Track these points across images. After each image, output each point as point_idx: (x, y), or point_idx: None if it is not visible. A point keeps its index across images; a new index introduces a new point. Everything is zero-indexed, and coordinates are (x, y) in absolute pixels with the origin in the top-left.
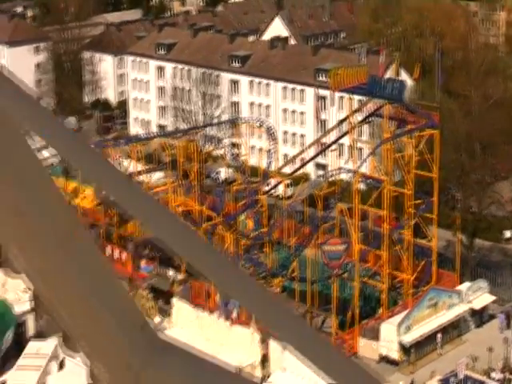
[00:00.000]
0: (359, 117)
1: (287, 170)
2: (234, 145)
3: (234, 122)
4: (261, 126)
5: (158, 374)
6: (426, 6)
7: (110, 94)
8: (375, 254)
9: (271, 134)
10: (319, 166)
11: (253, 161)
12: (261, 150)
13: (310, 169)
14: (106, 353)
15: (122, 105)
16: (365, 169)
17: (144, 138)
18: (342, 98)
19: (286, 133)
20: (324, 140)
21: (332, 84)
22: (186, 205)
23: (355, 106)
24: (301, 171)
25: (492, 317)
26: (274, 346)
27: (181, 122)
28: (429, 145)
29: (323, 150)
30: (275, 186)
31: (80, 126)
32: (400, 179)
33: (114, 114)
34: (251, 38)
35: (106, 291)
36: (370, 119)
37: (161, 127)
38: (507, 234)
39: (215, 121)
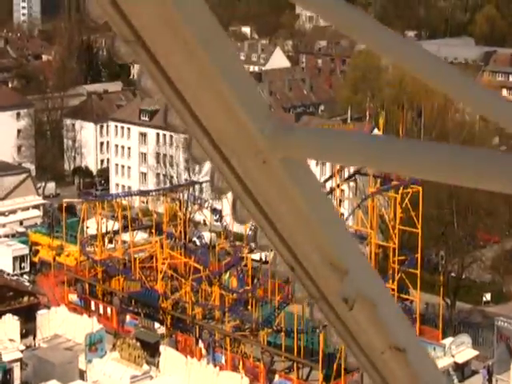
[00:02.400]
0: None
1: None
2: (215, 210)
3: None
4: None
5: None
6: (405, 79)
7: (91, 162)
8: None
9: None
10: None
11: (235, 227)
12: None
13: None
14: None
15: (103, 172)
16: (349, 226)
17: (126, 194)
18: (324, 164)
19: None
20: None
21: None
22: (172, 258)
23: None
24: None
25: (474, 372)
26: None
27: (163, 186)
28: (413, 201)
29: None
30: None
31: (58, 192)
32: (384, 236)
33: (94, 181)
34: None
35: (239, 84)
36: (354, 177)
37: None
38: (487, 297)
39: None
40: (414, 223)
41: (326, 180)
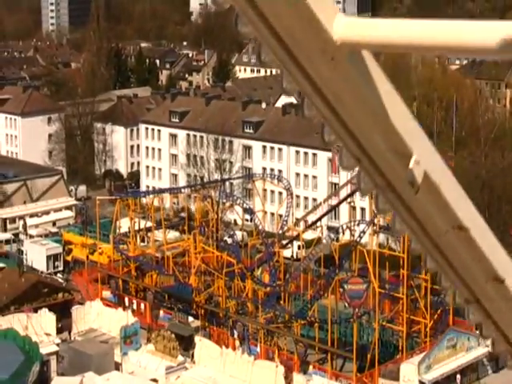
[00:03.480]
0: None
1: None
2: (246, 210)
3: (250, 177)
4: (279, 180)
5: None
6: (435, 76)
7: (121, 165)
8: (391, 302)
9: (288, 189)
10: (331, 229)
11: (266, 226)
12: (273, 214)
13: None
14: None
15: (133, 175)
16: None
17: (158, 191)
18: None
19: (298, 197)
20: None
21: None
22: (205, 252)
23: None
24: (314, 235)
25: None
26: (298, 378)
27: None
28: None
29: (340, 202)
30: (293, 240)
31: (89, 195)
32: None
33: (125, 183)
34: (264, 105)
35: None
36: None
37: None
38: None
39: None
40: None
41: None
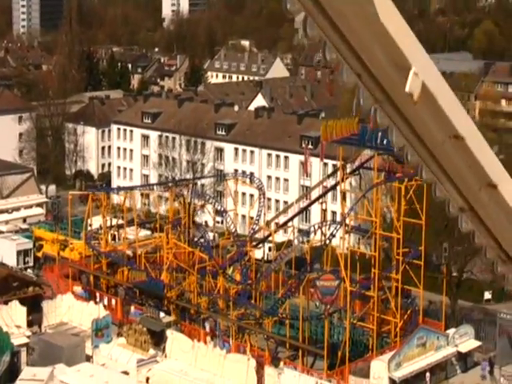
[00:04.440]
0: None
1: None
2: (218, 211)
3: (222, 176)
4: (251, 180)
5: None
6: None
7: (92, 166)
8: (362, 304)
9: (260, 189)
10: (302, 232)
11: (237, 228)
12: (244, 217)
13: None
14: None
15: (104, 176)
16: (353, 222)
17: (131, 188)
18: (325, 164)
19: (269, 199)
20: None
21: (323, 135)
22: (178, 247)
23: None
24: (285, 237)
25: (477, 364)
26: (269, 371)
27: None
28: (417, 194)
29: (312, 202)
30: (265, 239)
31: (56, 197)
32: (388, 229)
33: (96, 184)
34: (236, 108)
35: None
36: (359, 172)
37: (143, 195)
38: (488, 295)
39: (202, 180)
40: (419, 216)
41: (330, 175)
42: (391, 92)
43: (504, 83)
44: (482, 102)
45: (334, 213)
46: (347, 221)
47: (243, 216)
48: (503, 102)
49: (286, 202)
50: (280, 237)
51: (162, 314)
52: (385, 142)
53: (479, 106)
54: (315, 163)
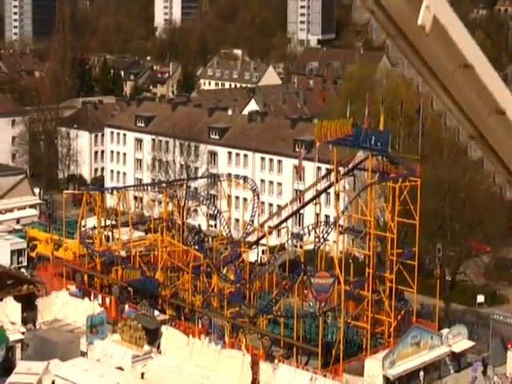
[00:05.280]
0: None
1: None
2: (211, 215)
3: (216, 178)
4: (245, 181)
5: None
6: (399, 89)
7: (85, 170)
8: (356, 305)
9: (254, 190)
10: (295, 235)
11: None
12: (238, 220)
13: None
14: None
15: (97, 180)
16: (347, 223)
17: (125, 187)
18: (319, 168)
19: (263, 203)
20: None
21: (317, 136)
22: (172, 245)
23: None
24: (277, 241)
25: (470, 364)
26: (264, 366)
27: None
28: (411, 195)
29: (306, 203)
30: (259, 240)
31: (50, 197)
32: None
33: (89, 187)
34: (230, 112)
35: None
36: (353, 173)
37: (136, 198)
38: (481, 298)
39: (195, 183)
40: (412, 217)
41: (324, 176)
42: (403, 26)
43: None
44: None
45: (327, 217)
46: (341, 221)
47: (237, 220)
48: None
49: (279, 206)
50: (273, 240)
51: (156, 313)
52: (379, 143)
53: None
54: (309, 167)
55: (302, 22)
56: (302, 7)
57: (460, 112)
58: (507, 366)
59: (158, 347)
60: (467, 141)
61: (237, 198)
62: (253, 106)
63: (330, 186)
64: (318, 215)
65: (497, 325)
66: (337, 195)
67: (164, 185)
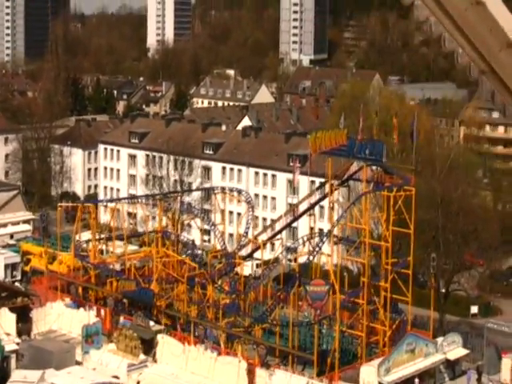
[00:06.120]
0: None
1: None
2: (205, 231)
3: (211, 190)
4: (239, 193)
5: None
6: (392, 105)
7: (78, 188)
8: (351, 314)
9: (249, 202)
10: (289, 249)
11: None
12: (232, 235)
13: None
14: None
15: (91, 197)
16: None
17: (120, 199)
18: (313, 182)
19: (257, 217)
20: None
21: (312, 147)
22: (168, 255)
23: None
24: (271, 255)
25: (464, 372)
26: (260, 373)
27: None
28: (406, 204)
29: (301, 214)
30: (253, 252)
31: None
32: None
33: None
34: (224, 128)
35: None
36: (347, 183)
37: (130, 214)
38: (474, 309)
39: (189, 198)
40: (407, 227)
41: (319, 187)
42: None
43: (488, 109)
44: (466, 128)
45: (321, 230)
46: (335, 231)
47: (230, 234)
48: (487, 127)
49: (273, 220)
50: (267, 254)
51: (151, 323)
52: (374, 153)
53: (464, 131)
54: (303, 181)
55: (295, 42)
56: (295, 27)
57: (472, 49)
58: (501, 374)
59: (154, 356)
60: (478, 76)
61: (231, 212)
62: (246, 122)
63: (324, 198)
64: (312, 228)
65: (491, 334)
66: (331, 206)
67: (158, 197)
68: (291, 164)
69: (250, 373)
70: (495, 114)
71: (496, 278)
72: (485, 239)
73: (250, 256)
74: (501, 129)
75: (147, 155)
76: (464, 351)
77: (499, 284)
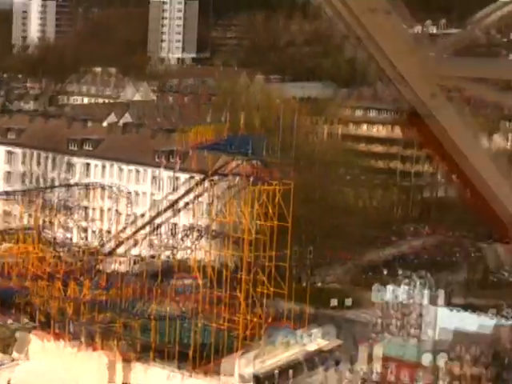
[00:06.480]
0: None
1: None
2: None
3: (74, 187)
4: (119, 191)
5: None
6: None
7: None
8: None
9: (128, 197)
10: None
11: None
12: (94, 232)
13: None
14: None
15: None
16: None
17: None
18: (177, 178)
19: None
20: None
21: (192, 141)
22: (29, 253)
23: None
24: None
25: (325, 361)
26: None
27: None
28: (284, 199)
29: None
30: (117, 247)
31: None
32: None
33: None
34: (90, 124)
35: None
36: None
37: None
38: (334, 302)
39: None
40: (285, 220)
41: (200, 182)
42: None
43: (364, 108)
44: (343, 127)
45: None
46: (206, 226)
47: (95, 231)
48: (364, 126)
49: (143, 215)
50: (137, 250)
51: (10, 321)
52: (253, 148)
53: (341, 130)
54: (168, 177)
55: (178, 41)
56: (178, 26)
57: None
58: (358, 362)
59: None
60: (356, 42)
61: (94, 209)
62: (113, 118)
63: (188, 193)
64: (175, 225)
65: (349, 324)
66: (211, 201)
67: (18, 194)
68: (157, 160)
69: (111, 368)
70: (373, 113)
71: (358, 272)
72: (351, 233)
73: (112, 253)
74: (377, 128)
75: (8, 152)
76: (324, 342)
77: (359, 277)
